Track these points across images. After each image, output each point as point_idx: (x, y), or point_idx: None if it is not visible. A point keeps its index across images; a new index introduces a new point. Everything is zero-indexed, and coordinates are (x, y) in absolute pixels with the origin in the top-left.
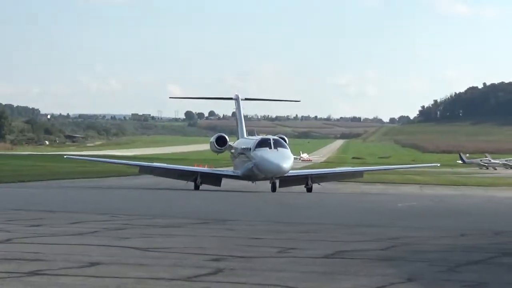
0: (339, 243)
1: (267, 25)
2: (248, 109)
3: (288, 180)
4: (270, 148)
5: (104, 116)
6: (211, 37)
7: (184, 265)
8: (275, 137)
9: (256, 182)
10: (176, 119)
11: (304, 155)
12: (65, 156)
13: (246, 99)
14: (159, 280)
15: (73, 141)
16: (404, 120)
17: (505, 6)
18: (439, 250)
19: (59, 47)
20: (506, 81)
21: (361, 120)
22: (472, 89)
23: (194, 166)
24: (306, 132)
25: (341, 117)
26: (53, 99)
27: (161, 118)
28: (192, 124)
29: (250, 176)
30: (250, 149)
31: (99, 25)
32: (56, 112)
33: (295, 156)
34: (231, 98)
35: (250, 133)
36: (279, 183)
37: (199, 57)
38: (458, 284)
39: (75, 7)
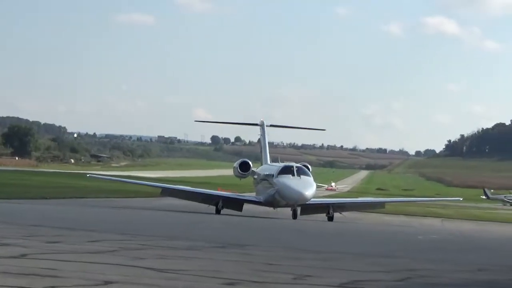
0: (355, 272)
1: (295, 52)
2: (274, 136)
3: (309, 208)
4: (293, 175)
5: (130, 137)
6: (239, 61)
7: None
8: (298, 165)
9: (278, 209)
10: (202, 143)
11: (333, 185)
12: (88, 175)
13: (271, 125)
14: None
15: (99, 161)
16: (430, 153)
17: None
18: (455, 284)
19: (87, 66)
20: None
21: (387, 151)
22: (500, 126)
23: (217, 190)
24: (331, 161)
25: (367, 148)
26: (80, 117)
27: (187, 142)
28: (217, 149)
29: (271, 202)
30: (273, 175)
31: (128, 44)
32: (83, 131)
33: (324, 185)
34: (256, 124)
35: (274, 160)
36: (300, 210)
37: (227, 82)
38: None
39: (104, 26)
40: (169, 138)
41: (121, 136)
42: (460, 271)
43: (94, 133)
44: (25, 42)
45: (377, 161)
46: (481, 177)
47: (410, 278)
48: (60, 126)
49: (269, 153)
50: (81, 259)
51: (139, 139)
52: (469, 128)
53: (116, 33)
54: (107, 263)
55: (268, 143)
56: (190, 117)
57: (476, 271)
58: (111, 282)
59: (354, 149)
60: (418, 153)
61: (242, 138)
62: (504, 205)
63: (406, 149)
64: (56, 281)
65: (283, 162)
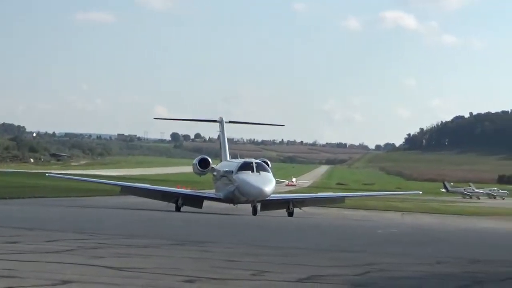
0: (315, 267)
1: (253, 49)
2: (234, 132)
3: (269, 204)
4: (253, 171)
5: (90, 136)
6: (199, 60)
7: (156, 286)
8: (258, 161)
9: (238, 205)
10: (162, 141)
11: (294, 180)
12: (47, 174)
13: (230, 122)
14: None
15: (58, 160)
16: (389, 147)
17: (492, 37)
18: (414, 277)
19: (46, 65)
20: (493, 111)
21: (347, 146)
22: (459, 119)
23: (177, 187)
24: (291, 156)
25: (326, 143)
26: (39, 117)
27: (147, 139)
28: (177, 146)
29: (231, 198)
30: (233, 172)
31: (88, 43)
32: (42, 130)
33: (284, 180)
34: (215, 121)
35: (233, 156)
36: (261, 206)
37: (187, 79)
38: None
39: (63, 24)
40: (129, 136)
41: (81, 134)
42: (419, 264)
43: (54, 132)
44: None
45: (337, 155)
46: (440, 170)
47: (369, 272)
48: (19, 126)
49: (229, 149)
50: (39, 259)
51: (99, 137)
52: (428, 121)
53: (76, 32)
54: (65, 263)
55: (228, 139)
56: (150, 115)
57: (435, 264)
58: (69, 282)
59: (314, 144)
60: (378, 147)
61: (202, 134)
62: (464, 197)
63: (366, 143)
64: (14, 281)
65: (242, 158)
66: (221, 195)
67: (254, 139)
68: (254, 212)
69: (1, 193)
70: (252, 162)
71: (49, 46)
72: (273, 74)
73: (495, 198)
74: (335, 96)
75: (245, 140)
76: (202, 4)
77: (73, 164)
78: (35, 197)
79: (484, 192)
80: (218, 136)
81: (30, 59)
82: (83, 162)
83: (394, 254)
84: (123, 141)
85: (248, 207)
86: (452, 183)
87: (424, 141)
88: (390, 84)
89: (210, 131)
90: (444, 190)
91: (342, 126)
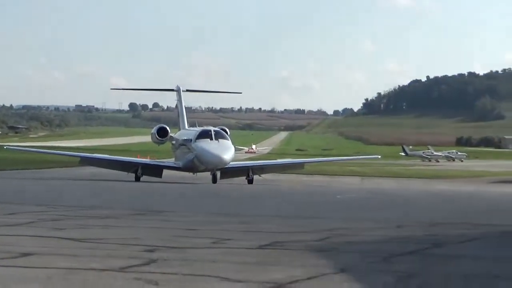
0: (275, 234)
1: (210, 17)
2: (192, 101)
3: (229, 172)
4: (211, 139)
5: (47, 108)
6: (154, 28)
7: (117, 256)
8: (216, 129)
9: (197, 173)
10: (120, 111)
11: (254, 147)
12: (5, 147)
13: (187, 90)
14: (91, 270)
15: (16, 132)
16: (348, 112)
17: None
18: (374, 241)
19: (0, 37)
20: (449, 75)
21: (305, 112)
22: (416, 82)
23: (137, 157)
24: (250, 124)
25: (285, 109)
26: None
27: (105, 110)
28: (136, 116)
29: (191, 167)
30: (191, 140)
31: (42, 14)
32: None
33: (244, 148)
34: (172, 90)
35: (192, 124)
36: (220, 174)
37: (142, 49)
38: (389, 275)
39: None
40: (86, 106)
41: (38, 106)
42: (379, 228)
43: (11, 105)
44: None
45: (296, 122)
46: (399, 134)
47: (329, 238)
48: None
49: (188, 118)
50: None
51: (57, 109)
52: (386, 86)
53: (30, 3)
54: (25, 235)
55: (186, 108)
56: (107, 85)
57: (395, 227)
58: (29, 254)
59: (272, 111)
60: (336, 112)
61: (160, 104)
62: (423, 161)
63: (324, 109)
64: None
65: (201, 126)
66: (180, 164)
67: (212, 107)
68: (214, 180)
69: None
70: (210, 130)
71: (2, 18)
72: (226, 42)
73: (454, 160)
74: (292, 62)
75: (203, 108)
76: None
77: (31, 136)
78: None
79: (443, 154)
80: (176, 105)
81: None
82: (41, 134)
83: (353, 219)
84: (81, 112)
85: (207, 175)
86: (411, 147)
87: (382, 105)
88: (346, 48)
89: (168, 101)
90: (403, 154)
91: (300, 93)
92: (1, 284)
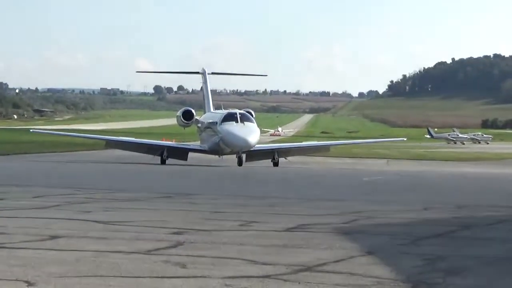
0: (302, 216)
1: None
2: (217, 83)
3: (254, 155)
4: (237, 122)
5: (73, 91)
6: (179, 11)
7: (144, 239)
8: (242, 111)
9: (223, 156)
10: (145, 94)
11: (280, 129)
12: (31, 130)
13: (212, 73)
14: (118, 253)
15: (42, 115)
16: (373, 94)
17: None
18: (402, 224)
19: (26, 21)
20: (475, 56)
21: (330, 94)
22: (441, 64)
23: (162, 140)
24: (275, 106)
25: (310, 92)
26: (21, 73)
27: (130, 93)
28: (160, 99)
29: (216, 150)
30: (217, 123)
31: None
32: (25, 86)
33: (270, 130)
34: (197, 72)
35: (217, 107)
36: (246, 157)
37: (168, 32)
38: (417, 257)
39: None
40: (111, 89)
41: (64, 90)
42: (406, 210)
43: (36, 88)
44: None
45: (321, 104)
46: (424, 117)
47: (357, 220)
48: (1, 83)
49: (212, 100)
50: (27, 215)
51: (82, 92)
52: (411, 68)
53: None
54: (53, 218)
55: (211, 90)
56: (132, 68)
57: (422, 210)
58: (58, 237)
59: (297, 94)
60: (361, 94)
61: (185, 87)
62: (448, 143)
63: (349, 91)
64: (2, 238)
65: (226, 109)
66: (206, 146)
67: (237, 90)
68: (240, 163)
69: None
70: (236, 113)
71: (28, 2)
72: (252, 24)
73: (479, 142)
74: (317, 44)
75: (228, 91)
76: None
77: (56, 119)
78: (20, 153)
79: (469, 137)
80: (201, 87)
81: (8, 15)
82: (66, 117)
83: (380, 201)
84: (106, 95)
85: (233, 158)
86: (436, 129)
87: (407, 87)
88: (371, 30)
89: (193, 83)
90: (428, 136)
91: (325, 75)
92: (31, 266)
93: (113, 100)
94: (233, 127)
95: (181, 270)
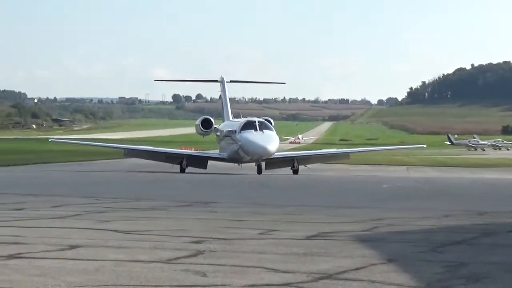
0: (322, 224)
1: (253, 7)
2: (236, 92)
3: (274, 162)
4: (256, 130)
5: (91, 100)
6: (197, 20)
7: (164, 248)
8: (261, 119)
9: (242, 164)
10: (163, 102)
11: (300, 137)
12: (49, 140)
13: (231, 81)
14: (138, 262)
15: (60, 125)
16: (392, 101)
17: None
18: (422, 231)
19: (44, 31)
20: (494, 62)
21: (349, 102)
22: (460, 70)
23: (181, 149)
24: (294, 114)
25: (329, 99)
26: (40, 83)
27: (148, 102)
28: (179, 107)
29: (235, 158)
30: (236, 131)
31: (83, 6)
32: (43, 96)
33: (290, 137)
34: (216, 81)
35: (236, 115)
36: (265, 165)
37: (186, 40)
38: (438, 265)
39: None
40: (130, 98)
41: (82, 99)
42: (426, 218)
43: (55, 98)
44: None
45: (340, 111)
46: (444, 123)
47: (377, 228)
48: (19, 92)
49: (231, 109)
50: (46, 224)
51: (100, 101)
52: (430, 74)
53: None
54: (72, 227)
55: (230, 99)
56: (150, 77)
57: (442, 217)
58: (77, 246)
59: (316, 101)
60: (380, 102)
61: (204, 95)
62: (469, 149)
63: (368, 99)
64: (22, 248)
65: (245, 117)
66: (225, 155)
67: (256, 98)
68: (259, 171)
69: (5, 160)
70: (255, 121)
71: (46, 12)
72: (271, 32)
73: (500, 149)
74: (335, 52)
75: (246, 99)
76: None
77: (75, 128)
78: (39, 163)
79: (489, 143)
80: (220, 96)
81: (27, 25)
82: (85, 126)
83: (401, 208)
84: (125, 104)
85: (252, 166)
86: (456, 136)
87: (426, 94)
88: (390, 38)
89: (211, 91)
90: (448, 143)
91: (344, 82)
92: (51, 276)
93: (131, 109)
94: (252, 135)
95: (201, 278)
